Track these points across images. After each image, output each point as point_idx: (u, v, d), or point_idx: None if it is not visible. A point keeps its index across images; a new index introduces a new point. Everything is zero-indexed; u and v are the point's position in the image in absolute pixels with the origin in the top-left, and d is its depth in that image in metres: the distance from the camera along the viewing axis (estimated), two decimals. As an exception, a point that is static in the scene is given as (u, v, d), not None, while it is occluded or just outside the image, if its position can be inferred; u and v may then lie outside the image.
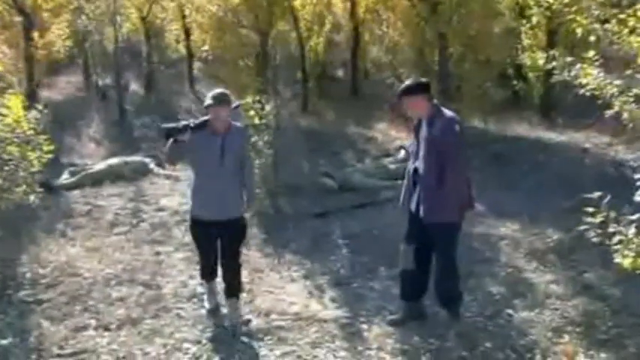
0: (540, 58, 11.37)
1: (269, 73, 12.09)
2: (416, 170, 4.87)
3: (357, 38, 15.36)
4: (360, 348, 4.79)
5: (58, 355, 4.92)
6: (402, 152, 9.76)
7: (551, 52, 11.44)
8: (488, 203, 7.54)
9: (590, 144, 9.83)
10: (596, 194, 3.86)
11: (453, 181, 4.67)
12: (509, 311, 5.22)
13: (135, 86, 17.14)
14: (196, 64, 17.57)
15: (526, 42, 11.84)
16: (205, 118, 4.89)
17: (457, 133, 4.72)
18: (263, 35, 12.22)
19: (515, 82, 12.14)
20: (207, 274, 5.41)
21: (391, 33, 14.30)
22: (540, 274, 5.82)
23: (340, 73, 18.17)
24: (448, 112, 4.84)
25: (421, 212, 4.80)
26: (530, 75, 12.02)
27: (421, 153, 4.80)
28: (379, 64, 16.66)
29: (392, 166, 9.14)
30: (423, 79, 5.16)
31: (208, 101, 4.84)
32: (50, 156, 6.45)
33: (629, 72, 4.24)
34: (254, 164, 5.54)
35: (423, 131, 4.80)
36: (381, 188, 8.55)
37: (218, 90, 4.98)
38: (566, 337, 4.76)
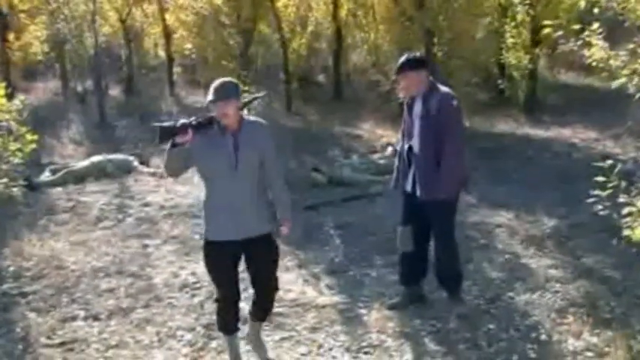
0: (525, 57, 11.47)
1: (251, 73, 12.00)
2: (410, 149, 4.78)
3: (339, 41, 15.33)
4: (360, 332, 4.67)
5: (47, 345, 4.74)
6: (390, 149, 9.70)
7: (536, 51, 11.62)
8: (480, 195, 7.49)
9: (578, 139, 9.85)
10: (608, 162, 3.76)
11: (454, 156, 4.59)
12: (511, 294, 5.13)
13: (114, 91, 16.93)
14: (176, 69, 17.44)
15: (510, 41, 11.88)
16: (211, 114, 3.88)
17: (455, 107, 4.65)
18: (246, 35, 12.14)
19: (499, 81, 12.16)
20: (227, 322, 4.20)
21: (373, 35, 14.36)
22: (538, 260, 5.75)
23: (322, 78, 18.13)
24: (444, 88, 4.77)
25: (418, 191, 4.70)
26: (515, 74, 12.07)
27: (416, 131, 4.70)
28: (361, 70, 16.68)
29: (381, 162, 9.06)
30: (419, 54, 5.07)
31: (211, 96, 3.83)
32: (33, 146, 6.26)
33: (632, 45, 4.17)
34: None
35: (418, 108, 4.69)
36: (370, 182, 8.46)
37: (222, 80, 3.93)
38: (570, 318, 4.68)
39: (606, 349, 4.23)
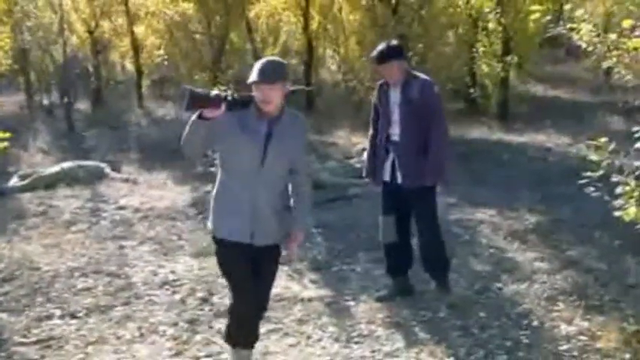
0: (497, 65, 11.60)
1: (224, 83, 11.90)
2: (387, 138, 4.73)
3: (310, 52, 15.33)
4: (348, 323, 4.57)
5: (21, 344, 4.53)
6: (365, 154, 9.66)
7: (507, 59, 11.76)
8: (460, 195, 7.49)
9: (552, 144, 9.95)
10: (602, 140, 3.75)
11: (441, 141, 4.62)
12: (498, 285, 5.10)
13: (82, 105, 16.63)
14: (145, 81, 17.23)
15: (481, 50, 12.02)
16: (250, 94, 3.36)
17: (438, 94, 4.72)
18: (218, 44, 12.06)
19: (472, 90, 12.26)
20: (248, 331, 3.62)
21: (343, 49, 14.42)
22: (523, 253, 5.73)
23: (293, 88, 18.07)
24: (422, 75, 4.82)
25: (400, 179, 4.67)
26: (487, 82, 12.19)
27: (395, 119, 4.68)
28: (333, 81, 16.70)
29: (357, 166, 9.01)
30: (397, 42, 5.07)
31: (255, 76, 3.27)
32: (6, 144, 6.06)
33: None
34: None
35: (396, 96, 4.67)
36: (348, 185, 8.41)
37: (270, 59, 3.44)
38: (561, 305, 4.65)
39: (599, 332, 4.21)
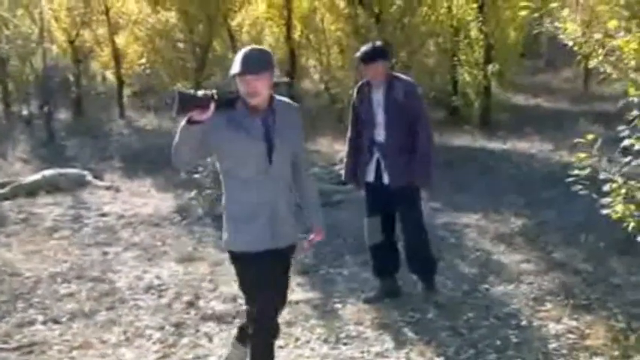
0: (478, 74, 11.70)
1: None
2: (371, 139, 4.72)
3: (293, 61, 15.33)
4: (337, 324, 4.53)
5: (1, 350, 4.43)
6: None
7: (489, 67, 11.85)
8: (445, 201, 7.50)
9: (535, 150, 10.02)
10: (590, 137, 3.77)
11: (427, 141, 4.66)
12: (486, 286, 5.09)
13: (62, 114, 16.47)
14: (126, 91, 17.12)
15: (463, 58, 12.11)
16: (232, 92, 3.14)
17: (421, 94, 4.79)
18: (200, 53, 12.03)
19: (453, 99, 12.33)
20: (266, 343, 3.38)
21: (326, 59, 14.45)
22: (510, 255, 5.74)
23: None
24: (405, 76, 4.87)
25: (387, 179, 4.67)
26: (469, 91, 12.27)
27: (380, 120, 4.68)
28: (317, 91, 16.71)
29: (341, 172, 9.00)
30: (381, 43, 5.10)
31: (237, 68, 3.04)
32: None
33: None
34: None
35: (379, 97, 4.67)
36: (333, 192, 8.37)
37: (252, 48, 3.18)
38: (549, 305, 4.65)
39: (587, 330, 4.21)
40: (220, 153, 3.19)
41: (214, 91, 2.95)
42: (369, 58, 4.65)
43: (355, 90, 4.86)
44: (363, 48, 4.76)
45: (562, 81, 18.35)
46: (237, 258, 3.29)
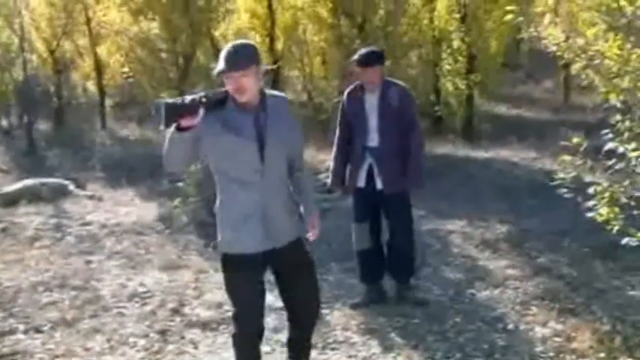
0: (461, 83, 11.78)
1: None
2: (363, 144, 4.72)
3: (276, 72, 15.34)
4: (324, 330, 4.50)
5: (-18, 359, 4.36)
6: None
7: (472, 77, 11.93)
8: (429, 208, 7.49)
9: (518, 158, 10.09)
10: (575, 140, 3.80)
11: (420, 147, 4.73)
12: (472, 291, 5.10)
13: (43, 125, 16.32)
14: (108, 102, 17.02)
15: (446, 68, 12.19)
16: (224, 89, 3.04)
17: (415, 100, 4.84)
18: (184, 62, 11.98)
19: (436, 108, 12.39)
20: (247, 349, 3.31)
21: (308, 69, 14.48)
22: (495, 261, 5.75)
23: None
24: (398, 81, 4.88)
25: (380, 184, 4.68)
26: (452, 100, 12.35)
27: (373, 125, 4.68)
28: (300, 102, 16.72)
29: (327, 181, 9.00)
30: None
31: (222, 65, 2.95)
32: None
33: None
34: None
35: (373, 102, 4.66)
36: (319, 200, 8.35)
37: (237, 43, 3.05)
38: (535, 309, 4.67)
39: (573, 334, 4.22)
40: (213, 154, 3.10)
41: (202, 94, 2.90)
42: (370, 61, 4.62)
43: (345, 94, 4.84)
44: (361, 51, 4.73)
45: (543, 92, 18.53)
46: (229, 260, 3.20)
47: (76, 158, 12.29)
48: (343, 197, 7.33)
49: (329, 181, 5.16)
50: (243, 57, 2.97)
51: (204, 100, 2.87)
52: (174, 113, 2.81)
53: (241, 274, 3.17)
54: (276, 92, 3.32)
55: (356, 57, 4.70)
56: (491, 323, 4.49)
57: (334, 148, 4.93)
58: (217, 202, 3.23)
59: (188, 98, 2.86)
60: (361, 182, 4.77)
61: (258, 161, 3.08)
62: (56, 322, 4.87)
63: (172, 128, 2.89)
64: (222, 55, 3.00)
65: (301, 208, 3.33)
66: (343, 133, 4.86)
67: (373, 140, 4.69)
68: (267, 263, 3.22)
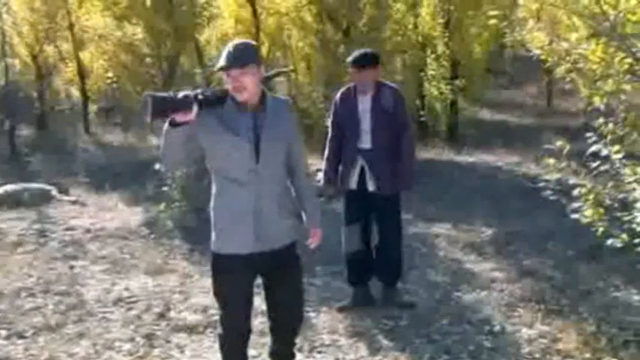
0: (445, 88, 11.85)
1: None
2: (355, 146, 4.72)
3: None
4: (310, 333, 4.49)
5: (-37, 365, 4.30)
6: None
7: (456, 82, 12.00)
8: (415, 212, 7.51)
9: (502, 163, 10.16)
10: (558, 143, 3.83)
11: (412, 148, 4.79)
12: (458, 294, 5.11)
13: (25, 130, 16.19)
14: (92, 107, 16.92)
15: (430, 73, 12.25)
16: (222, 88, 3.06)
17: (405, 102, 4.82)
18: (168, 67, 11.97)
19: (421, 113, 12.44)
20: (233, 351, 3.34)
21: (295, 71, 14.48)
22: (481, 264, 5.79)
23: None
24: (390, 83, 4.88)
25: (373, 186, 4.68)
26: (437, 105, 12.41)
27: (365, 126, 4.67)
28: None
29: (319, 178, 9.00)
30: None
31: (222, 61, 2.97)
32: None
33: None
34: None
35: (367, 104, 4.64)
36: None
37: (238, 41, 3.08)
38: (521, 311, 4.69)
39: (559, 335, 4.26)
40: (209, 152, 3.09)
41: (198, 90, 2.90)
42: (363, 63, 4.60)
43: (338, 95, 4.81)
44: (356, 53, 4.70)
45: (526, 97, 18.69)
46: (219, 261, 3.19)
47: (59, 164, 12.18)
48: (330, 201, 7.35)
49: (320, 181, 5.12)
50: (242, 55, 2.97)
51: (200, 97, 2.86)
52: (163, 108, 2.78)
53: (231, 275, 3.16)
54: (280, 96, 3.32)
55: (350, 58, 4.68)
56: (477, 325, 4.51)
57: (326, 149, 4.89)
58: (212, 201, 3.21)
59: (180, 94, 2.84)
60: (352, 184, 4.77)
61: (253, 161, 3.06)
62: (39, 327, 4.80)
63: (166, 125, 2.88)
64: (224, 51, 3.02)
65: (303, 215, 3.31)
66: (335, 134, 4.84)
67: (366, 142, 4.69)
68: (258, 266, 3.19)
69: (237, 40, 3.12)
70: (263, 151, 3.06)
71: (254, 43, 3.17)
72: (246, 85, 2.97)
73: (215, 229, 3.18)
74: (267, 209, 3.11)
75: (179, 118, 2.82)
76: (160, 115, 2.80)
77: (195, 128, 2.92)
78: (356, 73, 4.63)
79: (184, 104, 2.80)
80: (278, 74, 3.38)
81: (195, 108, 2.83)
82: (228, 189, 3.12)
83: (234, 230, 3.11)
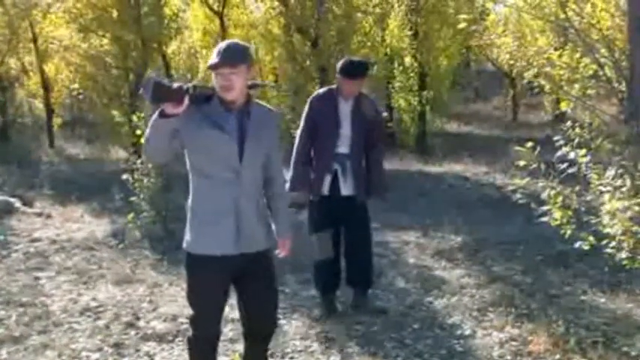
0: (414, 99, 11.95)
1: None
2: (331, 150, 4.69)
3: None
4: (282, 340, 4.45)
5: None
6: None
7: (424, 94, 12.12)
8: (383, 221, 7.51)
9: (470, 173, 10.26)
10: (529, 145, 3.88)
11: (383, 155, 4.95)
12: (429, 299, 5.13)
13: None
14: (56, 120, 16.68)
15: (398, 85, 12.35)
16: (209, 87, 3.06)
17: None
18: (135, 78, 11.86)
19: (389, 124, 12.53)
20: (202, 353, 3.30)
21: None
22: (450, 270, 5.81)
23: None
24: (365, 93, 4.89)
25: (345, 191, 4.68)
26: (405, 116, 12.51)
27: (344, 131, 4.66)
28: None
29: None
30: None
31: (214, 59, 2.97)
32: None
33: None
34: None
35: (346, 110, 4.64)
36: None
37: (230, 41, 3.11)
38: (491, 315, 4.72)
39: (529, 337, 4.28)
40: (191, 148, 3.07)
41: (190, 84, 2.89)
42: (356, 73, 4.56)
43: (315, 99, 4.75)
44: (347, 61, 4.64)
45: (492, 110, 18.99)
46: (194, 261, 3.14)
47: (22, 176, 11.94)
48: (300, 211, 7.32)
49: (289, 184, 4.91)
50: (235, 55, 2.99)
51: (191, 90, 2.85)
52: (161, 94, 2.77)
53: (204, 276, 3.12)
54: (268, 106, 3.31)
55: (342, 66, 4.58)
56: (449, 329, 4.52)
57: (294, 156, 4.76)
58: (189, 200, 3.16)
59: (176, 85, 2.83)
60: (325, 190, 4.74)
61: (237, 160, 3.05)
62: (2, 338, 4.67)
63: (155, 115, 2.87)
64: (216, 50, 3.02)
65: (272, 225, 3.29)
66: (306, 141, 4.74)
67: (344, 146, 4.68)
68: (235, 268, 3.13)
69: (230, 40, 3.14)
70: (247, 151, 3.05)
71: (247, 44, 3.18)
72: (235, 85, 2.98)
73: (191, 228, 3.13)
74: (247, 211, 3.08)
75: (169, 109, 2.81)
76: (159, 100, 2.80)
77: (179, 124, 2.91)
78: (347, 83, 4.56)
79: (179, 95, 2.80)
80: (256, 86, 3.31)
81: (186, 101, 2.82)
82: (208, 187, 3.08)
83: (213, 230, 3.07)
